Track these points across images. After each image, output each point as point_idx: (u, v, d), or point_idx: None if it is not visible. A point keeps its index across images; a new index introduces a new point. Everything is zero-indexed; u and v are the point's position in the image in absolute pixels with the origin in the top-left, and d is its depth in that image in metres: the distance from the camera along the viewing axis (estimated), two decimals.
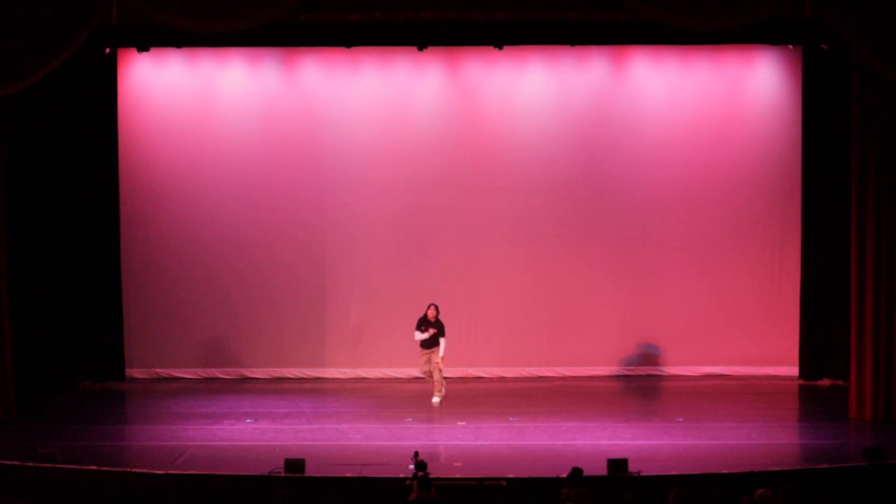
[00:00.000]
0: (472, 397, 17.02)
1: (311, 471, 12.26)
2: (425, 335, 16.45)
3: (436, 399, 16.58)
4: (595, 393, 17.55)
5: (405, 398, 16.88)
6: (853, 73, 15.25)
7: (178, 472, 12.55)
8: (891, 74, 14.32)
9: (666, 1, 14.40)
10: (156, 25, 14.72)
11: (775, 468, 12.42)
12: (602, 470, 12.09)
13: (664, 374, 18.48)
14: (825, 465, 12.72)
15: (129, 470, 12.60)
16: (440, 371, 16.58)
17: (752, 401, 16.75)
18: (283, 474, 12.18)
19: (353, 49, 17.77)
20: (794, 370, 18.25)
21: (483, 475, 12.06)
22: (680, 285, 18.38)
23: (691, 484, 10.89)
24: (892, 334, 15.21)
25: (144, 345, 18.38)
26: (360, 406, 16.50)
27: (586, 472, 11.07)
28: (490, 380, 18.36)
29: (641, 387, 18.04)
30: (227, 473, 12.40)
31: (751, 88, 18.40)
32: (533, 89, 18.33)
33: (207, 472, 12.49)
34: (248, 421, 15.53)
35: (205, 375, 18.44)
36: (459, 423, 15.30)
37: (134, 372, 18.36)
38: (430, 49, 17.64)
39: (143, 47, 17.57)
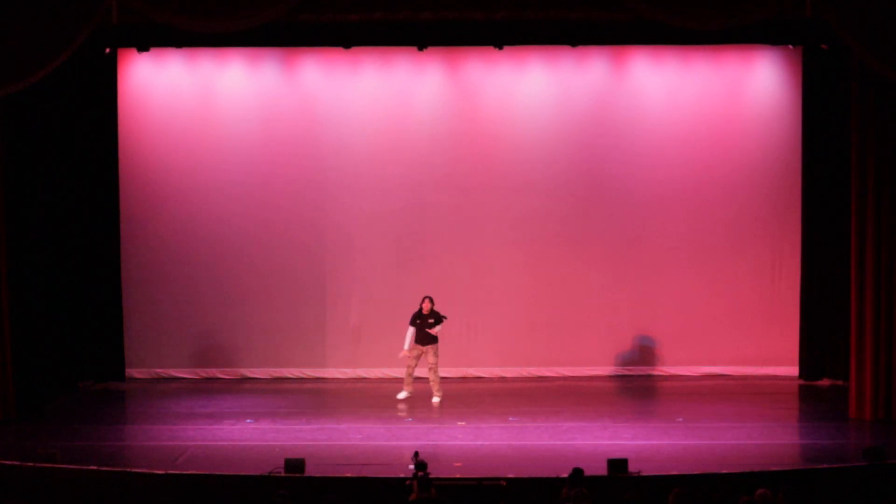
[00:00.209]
0: (472, 397, 17.02)
1: (311, 471, 12.25)
2: (409, 343, 16.44)
3: (436, 399, 16.58)
4: (595, 393, 17.54)
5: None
6: (853, 73, 15.24)
7: (178, 472, 12.54)
8: (891, 74, 14.32)
9: (666, 1, 14.41)
10: (156, 25, 14.71)
11: (775, 468, 12.41)
12: (602, 470, 12.09)
13: (664, 374, 18.47)
14: (825, 465, 12.71)
15: (129, 470, 12.60)
16: (436, 372, 16.58)
17: (752, 401, 16.74)
18: (283, 474, 12.17)
19: (353, 49, 17.74)
20: (793, 370, 18.24)
21: (483, 475, 12.05)
22: (680, 285, 18.37)
23: (691, 484, 10.88)
24: (892, 334, 15.20)
25: (144, 345, 18.37)
26: (360, 406, 16.50)
27: (586, 472, 11.05)
28: (490, 380, 18.35)
29: (641, 387, 18.04)
30: (227, 473, 12.39)
31: (751, 88, 18.39)
32: (533, 89, 18.32)
33: (207, 472, 12.48)
34: (248, 421, 15.53)
35: (205, 375, 18.42)
36: (459, 423, 15.30)
37: (134, 372, 18.35)
38: (430, 49, 17.62)
39: (143, 47, 17.55)
